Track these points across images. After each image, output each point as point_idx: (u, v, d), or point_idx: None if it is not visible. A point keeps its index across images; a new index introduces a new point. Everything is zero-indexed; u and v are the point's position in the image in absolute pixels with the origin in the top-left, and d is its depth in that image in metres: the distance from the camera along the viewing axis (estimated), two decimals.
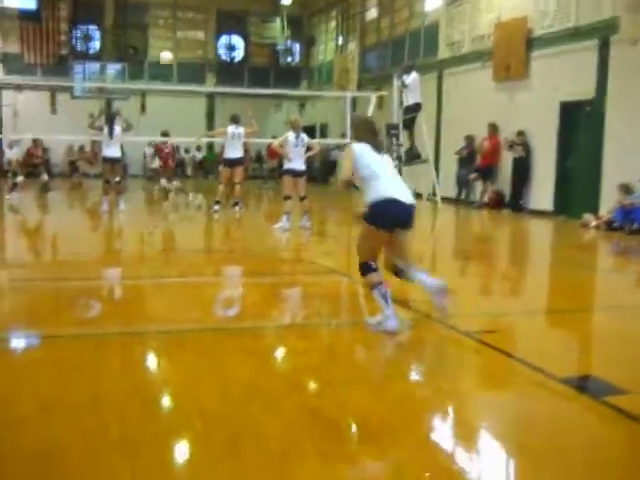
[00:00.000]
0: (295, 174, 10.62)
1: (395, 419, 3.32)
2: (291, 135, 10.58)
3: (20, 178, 15.88)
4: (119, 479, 2.69)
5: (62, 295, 6.18)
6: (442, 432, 3.28)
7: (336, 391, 3.71)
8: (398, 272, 4.91)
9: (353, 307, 6.12)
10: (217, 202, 12.70)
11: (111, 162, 12.92)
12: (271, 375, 4.02)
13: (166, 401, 3.59)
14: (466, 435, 3.19)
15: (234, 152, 12.33)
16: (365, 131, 4.99)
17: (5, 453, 2.86)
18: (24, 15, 24.88)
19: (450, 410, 3.54)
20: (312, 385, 3.90)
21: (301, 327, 5.25)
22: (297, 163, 10.57)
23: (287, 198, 10.66)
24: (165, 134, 16.39)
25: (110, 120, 12.92)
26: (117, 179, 13.21)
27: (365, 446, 3.05)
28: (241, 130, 12.32)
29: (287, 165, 10.71)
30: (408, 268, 4.84)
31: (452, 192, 16.59)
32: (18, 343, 4.70)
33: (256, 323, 5.24)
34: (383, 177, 4.73)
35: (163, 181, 16.55)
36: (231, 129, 12.33)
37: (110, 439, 3.01)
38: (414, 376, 4.25)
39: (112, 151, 12.83)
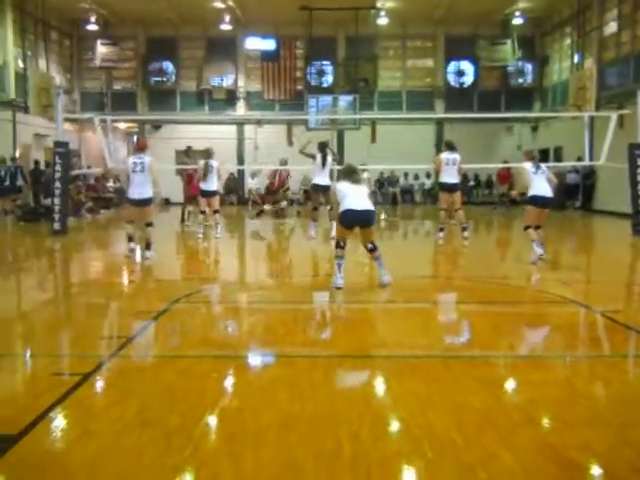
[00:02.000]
0: (543, 203, 9.62)
1: None
2: (528, 164, 9.73)
3: (267, 207, 17.19)
4: None
5: (297, 317, 6.47)
6: None
7: (575, 429, 3.45)
8: (369, 251, 7.61)
9: (592, 339, 5.69)
10: (441, 229, 12.65)
11: (322, 190, 12.93)
12: (505, 406, 3.85)
13: (396, 424, 3.57)
14: None
15: (451, 177, 12.20)
16: (345, 174, 7.89)
17: (245, 465, 3.03)
18: (265, 56, 27.08)
19: None
20: (549, 421, 3.65)
21: (535, 358, 4.99)
22: (544, 190, 9.57)
23: (528, 227, 9.66)
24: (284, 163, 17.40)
25: (322, 149, 12.94)
26: (329, 207, 13.57)
27: None
28: (456, 156, 12.14)
29: (533, 192, 9.60)
30: (371, 252, 7.60)
31: None
32: (258, 361, 4.99)
33: (487, 352, 5.08)
34: (348, 198, 7.49)
35: (267, 206, 17.62)
36: (445, 155, 12.24)
37: (343, 458, 3.06)
38: None
39: (322, 179, 12.85)
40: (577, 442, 3.26)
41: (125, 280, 9.03)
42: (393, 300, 7.18)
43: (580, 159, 18.02)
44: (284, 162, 17.34)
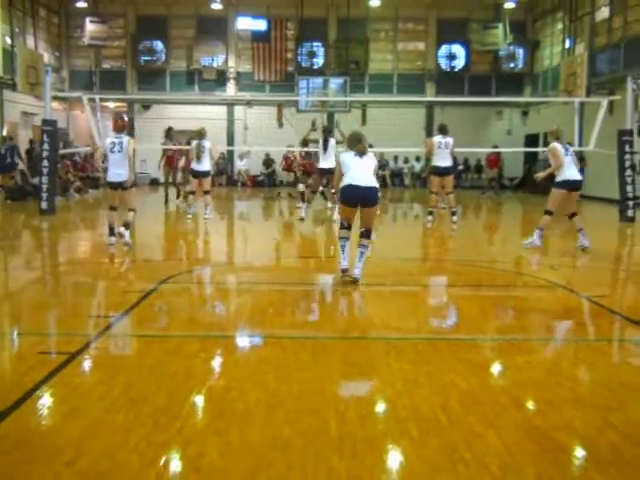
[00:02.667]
0: (574, 187, 9.30)
1: (627, 448, 3.04)
2: (558, 145, 9.39)
3: (301, 186, 17.16)
4: (336, 478, 2.74)
5: (285, 298, 6.48)
6: None
7: (560, 411, 3.49)
8: (360, 235, 6.92)
9: (577, 323, 5.73)
10: (430, 212, 12.65)
11: (325, 173, 13.03)
12: (490, 388, 3.88)
13: (382, 405, 3.60)
14: None
15: (443, 161, 12.20)
16: (351, 142, 7.10)
17: (232, 443, 3.04)
18: (256, 36, 26.88)
19: None
20: (534, 403, 3.69)
21: (521, 341, 5.03)
22: (575, 174, 9.25)
23: (549, 213, 9.40)
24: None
25: (324, 133, 13.08)
26: (333, 190, 13.57)
27: (594, 474, 2.82)
28: (449, 140, 12.13)
29: (564, 177, 9.22)
30: (361, 237, 6.90)
31: None
32: (245, 342, 5.00)
33: (474, 335, 5.11)
34: (351, 171, 6.82)
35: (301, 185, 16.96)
36: (438, 139, 12.23)
37: (329, 437, 3.08)
38: None
39: (325, 163, 12.89)
40: (562, 424, 3.30)
41: (113, 260, 8.98)
42: (381, 283, 7.20)
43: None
44: (291, 145, 17.36)
